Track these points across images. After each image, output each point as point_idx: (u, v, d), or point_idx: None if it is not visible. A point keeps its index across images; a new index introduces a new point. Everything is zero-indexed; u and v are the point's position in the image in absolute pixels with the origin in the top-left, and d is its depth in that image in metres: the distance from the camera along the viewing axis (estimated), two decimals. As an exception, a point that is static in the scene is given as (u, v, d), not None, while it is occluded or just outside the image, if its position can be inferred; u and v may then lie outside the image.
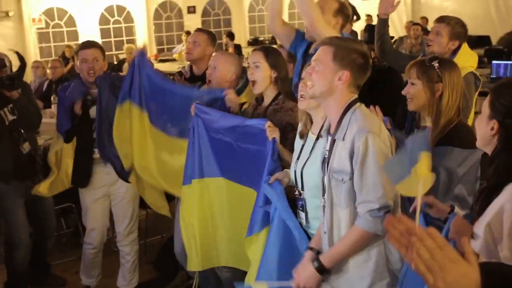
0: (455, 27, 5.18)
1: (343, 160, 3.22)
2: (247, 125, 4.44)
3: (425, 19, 15.50)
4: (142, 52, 5.49)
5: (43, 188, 5.56)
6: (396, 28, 16.84)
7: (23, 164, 5.61)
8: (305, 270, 3.41)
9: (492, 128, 2.67)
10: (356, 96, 3.32)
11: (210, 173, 4.85)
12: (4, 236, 5.88)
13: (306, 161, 3.76)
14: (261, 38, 18.58)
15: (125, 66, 12.80)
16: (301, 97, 3.67)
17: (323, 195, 3.41)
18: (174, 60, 14.07)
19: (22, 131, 5.65)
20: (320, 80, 3.24)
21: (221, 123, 4.61)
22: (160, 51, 16.47)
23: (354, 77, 3.26)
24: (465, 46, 5.22)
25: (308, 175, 3.76)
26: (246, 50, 14.93)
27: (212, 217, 4.88)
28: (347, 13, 5.06)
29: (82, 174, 5.58)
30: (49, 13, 15.35)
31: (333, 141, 3.29)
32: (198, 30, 6.32)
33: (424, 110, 3.88)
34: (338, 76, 3.21)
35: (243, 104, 5.02)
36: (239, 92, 5.08)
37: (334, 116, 3.30)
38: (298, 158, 3.84)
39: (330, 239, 3.39)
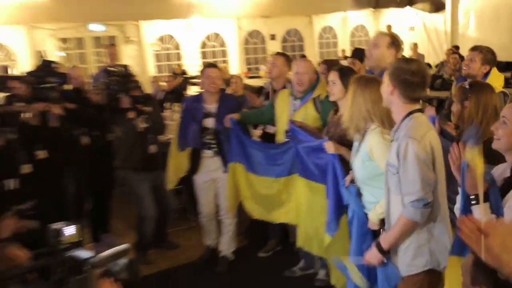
0: (486, 54, 5.15)
1: (394, 157, 3.25)
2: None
3: (455, 47, 15.29)
4: (233, 120, 5.51)
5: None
6: (438, 54, 16.67)
7: (149, 161, 5.87)
8: (371, 250, 3.49)
9: None
10: (417, 106, 3.32)
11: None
12: (137, 212, 6.12)
13: (356, 156, 3.82)
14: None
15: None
16: None
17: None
18: (259, 77, 14.24)
19: (151, 136, 5.89)
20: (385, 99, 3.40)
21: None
22: (249, 69, 16.62)
23: (406, 93, 3.28)
24: (494, 69, 5.19)
25: (354, 167, 3.85)
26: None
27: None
28: (398, 44, 4.89)
29: (195, 166, 5.80)
30: (161, 38, 15.72)
31: (392, 140, 3.34)
32: (277, 53, 6.31)
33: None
34: (390, 91, 3.30)
35: (318, 96, 5.06)
36: (312, 88, 5.08)
37: (397, 121, 3.35)
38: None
39: (388, 220, 3.44)
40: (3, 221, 3.78)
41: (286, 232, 6.14)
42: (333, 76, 4.54)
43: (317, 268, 5.50)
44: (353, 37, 19.08)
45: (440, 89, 10.33)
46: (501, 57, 5.47)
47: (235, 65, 16.36)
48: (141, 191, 5.96)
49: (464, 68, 5.30)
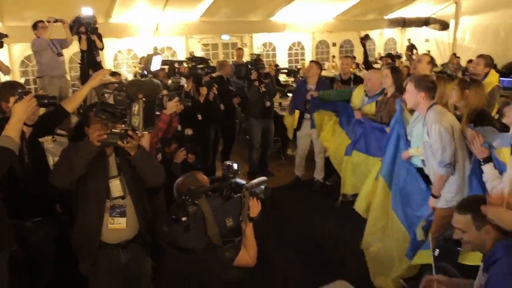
0: (488, 60, 4.89)
1: (426, 137, 3.16)
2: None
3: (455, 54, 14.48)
4: (312, 96, 5.26)
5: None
6: (443, 58, 15.77)
7: (264, 111, 5.91)
8: (431, 201, 3.25)
9: None
10: (433, 101, 3.21)
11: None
12: (249, 144, 6.18)
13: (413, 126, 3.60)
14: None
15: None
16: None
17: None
18: (324, 69, 13.91)
19: (267, 96, 5.86)
20: (409, 100, 3.26)
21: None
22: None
23: (428, 95, 3.19)
24: (492, 70, 4.92)
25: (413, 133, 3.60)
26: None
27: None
28: (434, 62, 4.75)
29: (299, 124, 5.74)
30: (264, 44, 15.55)
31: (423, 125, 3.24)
32: (345, 56, 6.13)
33: (459, 104, 3.57)
34: (419, 95, 3.19)
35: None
36: (380, 93, 4.62)
37: (423, 113, 3.24)
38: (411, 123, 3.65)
39: (431, 175, 3.34)
40: (179, 152, 3.90)
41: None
42: (387, 71, 4.35)
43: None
44: (386, 45, 18.29)
45: (446, 81, 9.79)
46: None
47: (309, 61, 16.06)
48: (255, 130, 6.04)
49: (471, 68, 5.02)
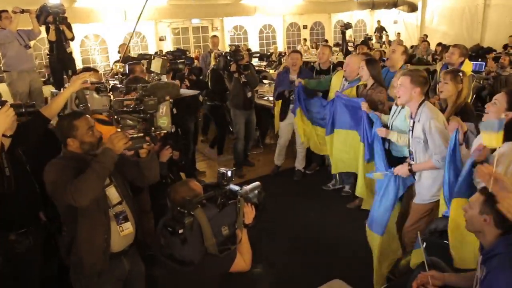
0: (462, 50, 4.92)
1: (419, 132, 3.15)
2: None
3: (425, 36, 14.63)
4: (300, 84, 5.16)
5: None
6: (411, 40, 16.01)
7: (246, 102, 5.86)
8: (403, 167, 3.32)
9: (506, 115, 2.55)
10: (424, 98, 3.21)
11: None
12: (234, 136, 6.16)
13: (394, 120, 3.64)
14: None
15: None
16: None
17: (410, 147, 3.33)
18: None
19: (248, 87, 5.80)
20: (403, 95, 3.20)
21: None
22: (288, 47, 16.14)
23: (422, 91, 3.16)
24: (467, 60, 4.95)
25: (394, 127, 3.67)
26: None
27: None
28: (408, 52, 4.74)
29: (284, 113, 5.70)
30: (235, 27, 15.41)
31: (413, 122, 3.22)
32: (323, 45, 6.06)
33: (450, 97, 3.60)
34: (413, 91, 3.15)
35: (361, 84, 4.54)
36: (360, 78, 4.54)
37: (413, 109, 3.22)
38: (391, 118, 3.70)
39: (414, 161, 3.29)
40: (164, 150, 3.81)
41: (323, 158, 6.02)
42: (363, 63, 4.30)
43: (344, 184, 5.44)
44: (356, 27, 18.43)
45: (417, 64, 9.89)
46: (453, 41, 5.20)
47: (280, 45, 16.02)
48: (239, 121, 6.00)
49: (447, 58, 5.06)
